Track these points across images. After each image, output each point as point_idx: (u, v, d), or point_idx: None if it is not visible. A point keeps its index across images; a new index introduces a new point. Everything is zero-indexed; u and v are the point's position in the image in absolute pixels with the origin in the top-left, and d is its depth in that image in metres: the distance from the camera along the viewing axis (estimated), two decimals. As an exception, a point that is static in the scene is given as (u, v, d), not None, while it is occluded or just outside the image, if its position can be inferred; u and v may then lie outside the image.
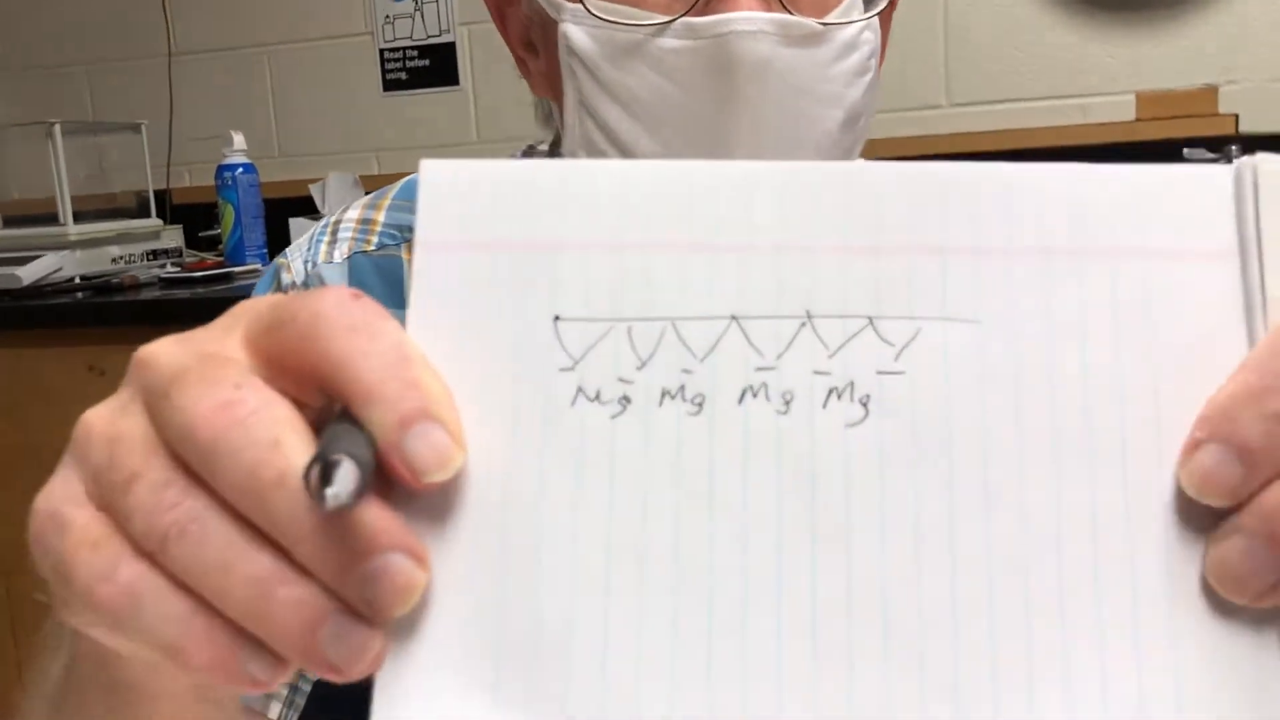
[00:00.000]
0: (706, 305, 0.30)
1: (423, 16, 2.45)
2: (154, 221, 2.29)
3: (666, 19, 0.59)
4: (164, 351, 0.32)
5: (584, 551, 0.29)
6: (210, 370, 0.30)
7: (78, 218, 2.12)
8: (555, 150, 0.76)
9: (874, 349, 0.29)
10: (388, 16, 2.46)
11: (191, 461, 0.29)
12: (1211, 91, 2.04)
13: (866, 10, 0.62)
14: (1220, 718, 0.26)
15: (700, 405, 0.29)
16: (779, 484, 0.29)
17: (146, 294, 2.00)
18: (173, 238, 2.32)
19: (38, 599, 0.38)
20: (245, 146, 2.22)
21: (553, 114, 0.74)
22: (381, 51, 2.48)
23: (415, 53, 2.46)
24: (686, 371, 0.30)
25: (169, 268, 2.23)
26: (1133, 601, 0.27)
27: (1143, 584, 0.27)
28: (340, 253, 0.72)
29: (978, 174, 0.31)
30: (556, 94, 0.67)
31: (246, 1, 2.54)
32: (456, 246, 0.31)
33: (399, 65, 2.47)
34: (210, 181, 2.42)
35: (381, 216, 0.74)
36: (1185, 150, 2.00)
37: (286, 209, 2.26)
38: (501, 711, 0.28)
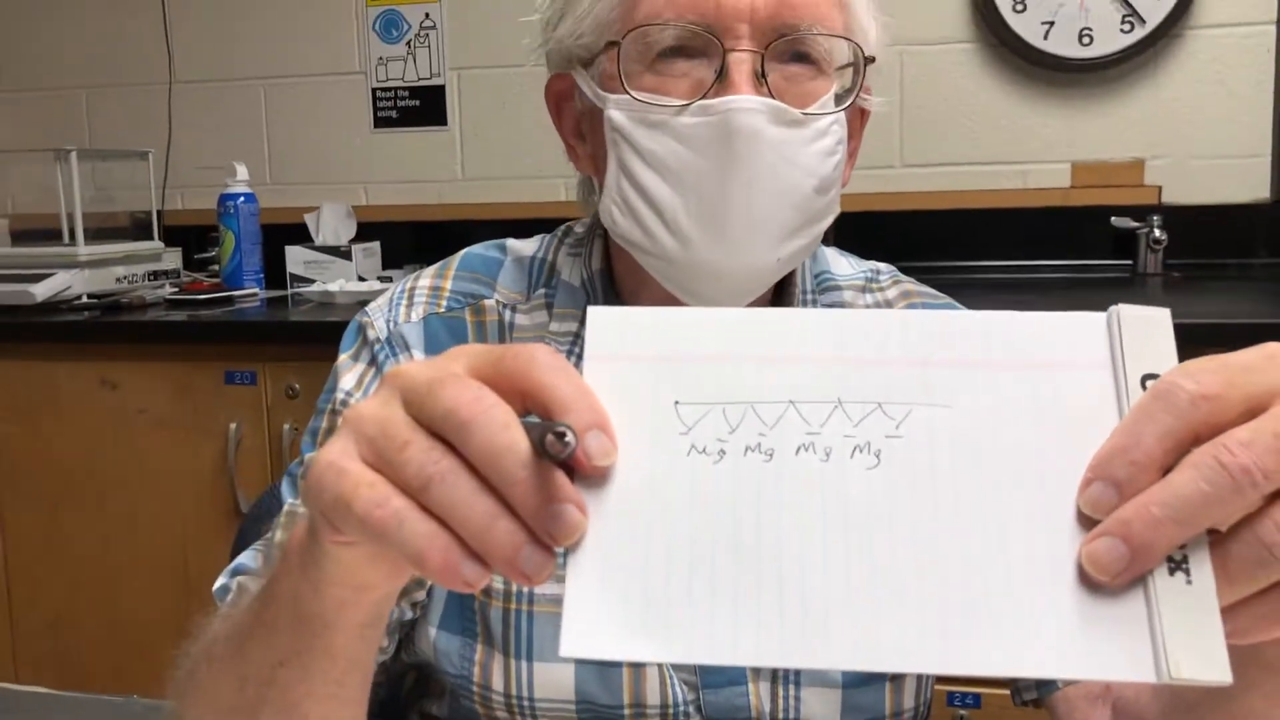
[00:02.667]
0: (774, 394, 0.47)
1: (414, 59, 2.59)
2: (156, 244, 2.40)
3: (687, 101, 0.78)
4: (415, 369, 0.47)
5: (699, 541, 0.45)
6: (460, 379, 0.46)
7: (84, 238, 2.23)
8: (592, 230, 0.93)
9: (882, 422, 0.46)
10: (381, 58, 2.60)
11: (449, 434, 0.45)
12: (1139, 165, 2.25)
13: (836, 106, 0.81)
14: (1088, 655, 0.43)
15: (771, 456, 0.46)
16: (824, 502, 0.45)
17: (154, 313, 2.13)
18: (172, 259, 2.43)
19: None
20: (248, 177, 2.34)
21: (592, 193, 0.91)
22: (374, 90, 2.62)
23: (406, 93, 2.60)
24: (761, 435, 0.46)
25: (167, 288, 2.35)
26: (1044, 578, 0.44)
27: (1049, 566, 0.44)
28: (417, 314, 0.89)
29: (948, 318, 0.48)
30: (599, 170, 0.85)
31: (246, 36, 2.67)
32: (614, 359, 0.48)
33: (390, 104, 2.61)
34: (201, 205, 2.54)
35: (449, 285, 0.91)
36: (1113, 218, 2.20)
37: (279, 235, 2.39)
38: (649, 644, 0.43)
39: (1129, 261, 2.22)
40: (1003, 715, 1.69)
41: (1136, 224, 2.19)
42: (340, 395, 0.88)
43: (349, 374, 0.90)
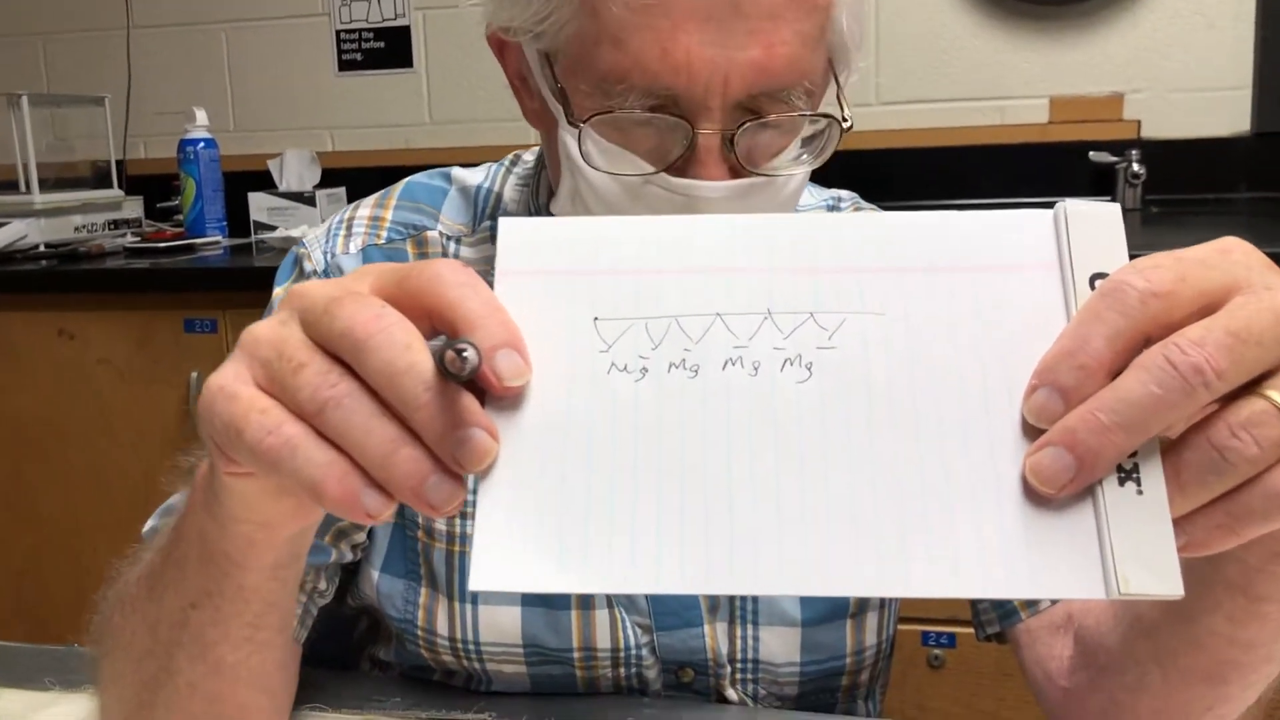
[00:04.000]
0: (700, 307, 0.44)
1: (379, 0, 2.53)
2: (116, 192, 2.35)
3: (650, 171, 0.71)
4: (315, 288, 0.44)
5: (620, 464, 0.42)
6: (360, 297, 0.43)
7: (40, 186, 2.18)
8: (542, 159, 0.88)
9: (814, 333, 0.44)
10: (344, -1, 2.54)
11: (345, 355, 0.41)
12: (1118, 99, 2.21)
13: (803, 151, 0.75)
14: (1034, 572, 0.40)
15: (696, 372, 0.43)
16: (751, 420, 0.43)
17: (113, 262, 2.08)
18: (133, 208, 2.38)
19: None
20: (208, 122, 2.29)
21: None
22: (337, 33, 2.55)
23: (370, 35, 2.54)
24: (686, 350, 0.44)
25: (129, 237, 2.30)
26: (988, 493, 0.41)
27: (994, 480, 0.41)
28: (355, 245, 0.85)
29: (881, 220, 0.46)
30: (548, 129, 0.78)
31: (205, -21, 2.60)
32: (528, 273, 0.45)
33: (354, 46, 2.55)
34: (166, 154, 2.48)
35: (389, 215, 0.87)
36: (1091, 152, 2.17)
37: (243, 183, 2.34)
38: (565, 575, 0.41)
39: (1108, 197, 2.18)
40: (979, 653, 1.68)
41: (1115, 159, 2.15)
42: None
43: None
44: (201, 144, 2.27)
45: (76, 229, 2.22)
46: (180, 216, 2.37)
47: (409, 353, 0.41)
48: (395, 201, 0.88)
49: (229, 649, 0.58)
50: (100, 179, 2.39)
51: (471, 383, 0.41)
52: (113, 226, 2.30)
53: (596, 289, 0.45)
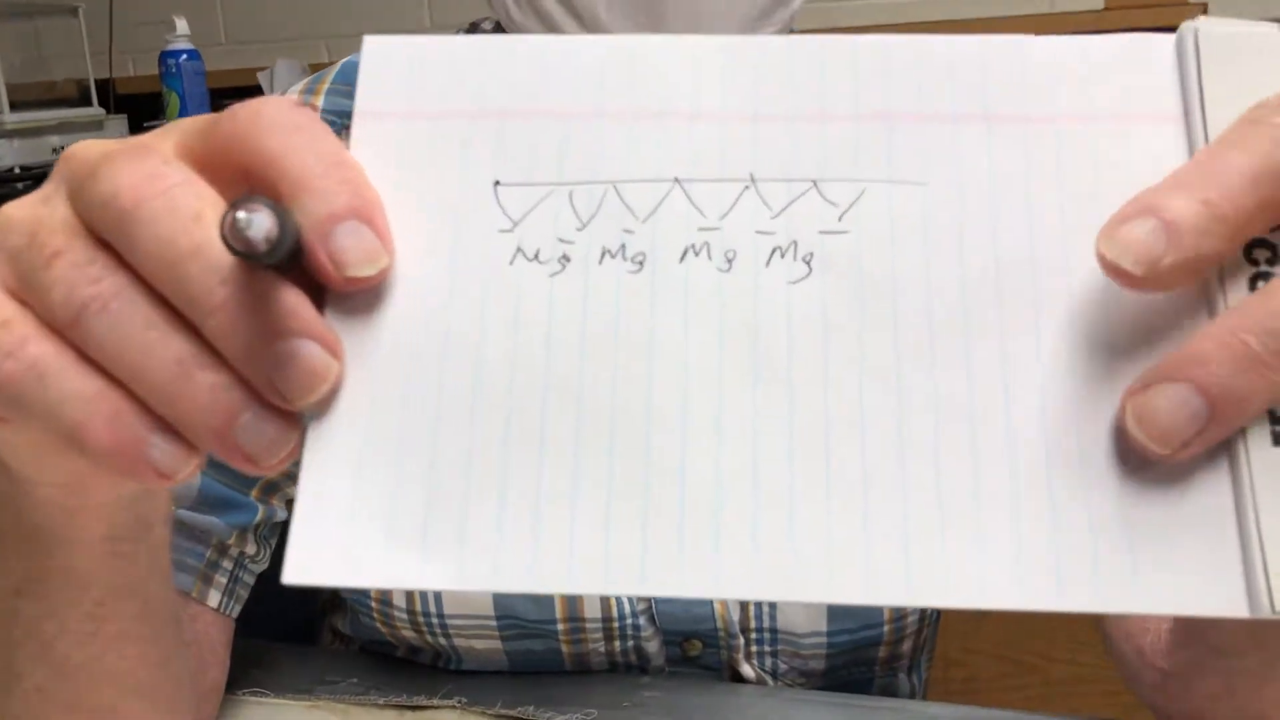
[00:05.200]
0: (650, 169, 0.30)
1: (374, -104, 2.36)
2: (96, 111, 2.22)
3: None
4: (91, 144, 0.31)
5: (522, 401, 0.29)
6: (138, 150, 0.29)
7: (14, 106, 2.05)
8: (500, 29, 0.74)
9: (818, 210, 0.30)
10: (337, -105, 2.38)
11: (110, 232, 0.29)
12: (1179, -20, 2.01)
13: None
14: (1135, 577, 0.26)
15: (641, 264, 0.30)
16: (720, 337, 0.29)
17: (90, 185, 1.96)
18: (117, 128, 2.25)
19: None
20: (189, 32, 2.15)
21: None
22: (331, -67, 2.40)
23: (367, -66, 2.38)
24: (628, 232, 0.30)
25: (113, 159, 2.17)
26: (1069, 455, 0.27)
27: (1075, 435, 0.28)
28: None
29: (922, 45, 0.31)
30: None
31: (188, -121, 2.44)
32: (397, 116, 0.31)
33: (350, -52, 2.39)
34: (154, 70, 2.35)
35: (320, 101, 0.71)
36: (1149, 42, 1.98)
37: (235, 98, 2.18)
38: (430, 564, 0.28)
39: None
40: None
41: (1176, 47, 1.97)
42: None
43: None
44: (184, 56, 2.13)
45: (55, 150, 2.09)
46: (168, 136, 2.23)
47: (197, 226, 0.27)
48: (329, 85, 0.73)
49: (72, 645, 0.44)
50: (83, 98, 2.26)
51: (305, 276, 0.28)
52: (95, 147, 2.17)
53: (500, 137, 0.31)
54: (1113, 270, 0.27)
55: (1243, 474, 0.26)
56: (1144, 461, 0.27)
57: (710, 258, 0.30)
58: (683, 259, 0.30)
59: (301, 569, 0.28)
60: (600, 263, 0.30)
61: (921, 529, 0.27)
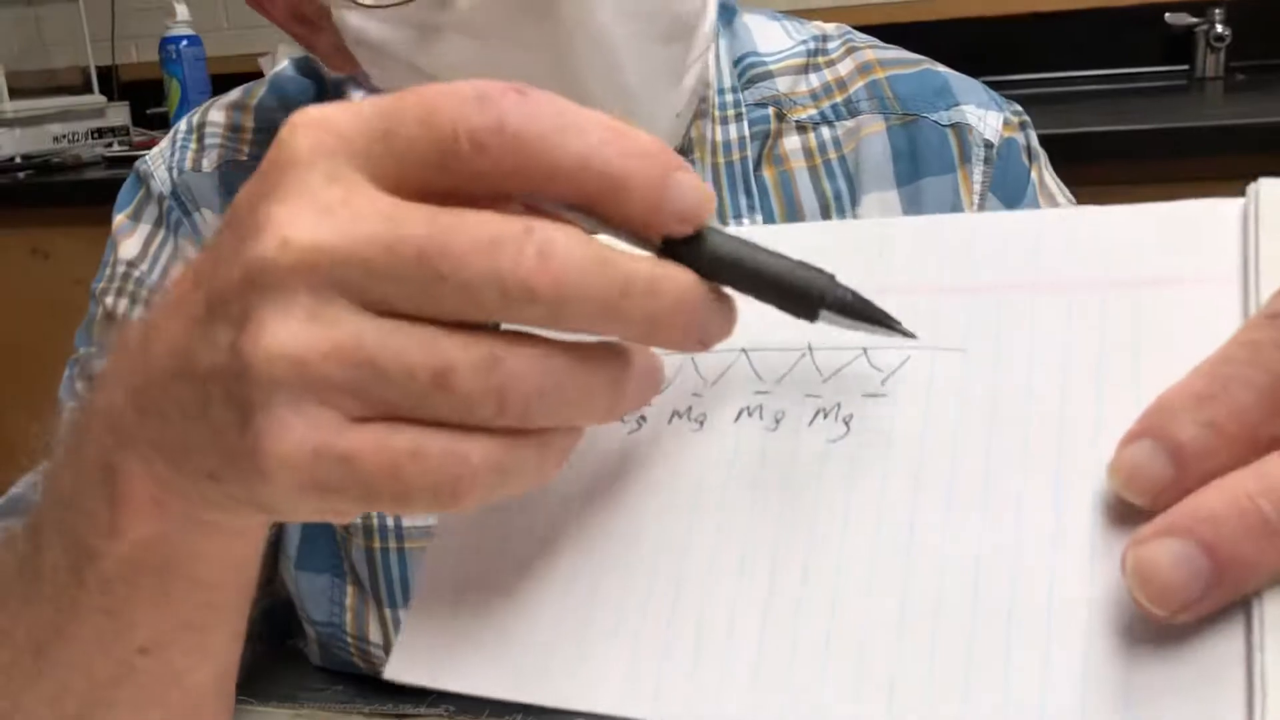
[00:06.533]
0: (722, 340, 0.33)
1: (374, -123, 2.33)
2: (97, 98, 2.20)
3: None
4: (334, 240, 0.27)
5: (578, 541, 0.33)
6: (472, 222, 0.27)
7: (14, 94, 2.04)
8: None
9: (864, 374, 0.32)
10: (337, -123, 2.35)
11: (530, 319, 0.27)
12: (1198, -49, 1.96)
13: None
14: None
15: (702, 423, 0.33)
16: (753, 491, 0.31)
17: (91, 173, 1.94)
18: (118, 115, 2.24)
19: None
20: (189, 17, 2.13)
21: None
22: (332, -85, 2.37)
23: (368, -83, 2.35)
24: (696, 395, 0.34)
25: (115, 146, 2.15)
26: (1080, 611, 0.27)
27: (1086, 597, 0.27)
28: (209, 160, 0.68)
29: (973, 222, 0.34)
30: (334, 45, 0.59)
31: None
32: None
33: (351, -70, 2.37)
34: (156, 56, 2.33)
35: (251, 122, 0.68)
36: (1167, 15, 1.93)
37: (236, 83, 2.17)
38: (502, 679, 0.31)
39: (1184, 66, 1.95)
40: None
41: (1195, 19, 1.92)
42: (120, 269, 0.67)
43: (129, 239, 0.68)
44: (184, 41, 2.10)
45: (56, 139, 2.08)
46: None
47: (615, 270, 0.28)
48: (259, 100, 0.70)
49: (205, 667, 0.42)
50: (84, 85, 2.24)
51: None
52: (96, 135, 2.16)
53: None
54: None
55: (1256, 635, 0.24)
56: (1145, 621, 0.25)
57: (761, 418, 0.33)
58: (736, 419, 0.33)
59: (403, 668, 0.32)
60: (669, 422, 0.34)
61: (909, 689, 0.27)
